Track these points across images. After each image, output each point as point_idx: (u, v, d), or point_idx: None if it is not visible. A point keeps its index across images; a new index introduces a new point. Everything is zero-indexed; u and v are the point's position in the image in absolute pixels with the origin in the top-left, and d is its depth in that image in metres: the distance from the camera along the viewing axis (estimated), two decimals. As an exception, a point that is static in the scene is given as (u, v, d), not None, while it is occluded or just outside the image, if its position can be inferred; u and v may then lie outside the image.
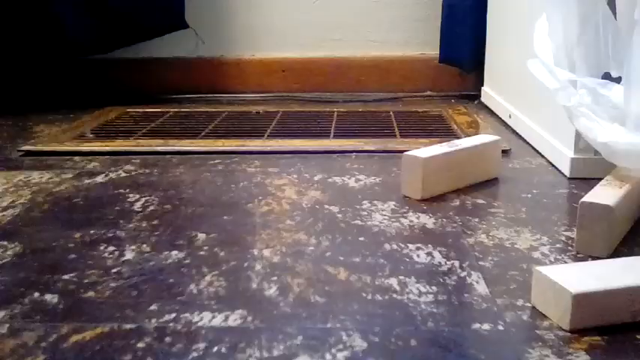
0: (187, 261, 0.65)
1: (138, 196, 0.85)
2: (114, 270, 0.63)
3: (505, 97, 1.26)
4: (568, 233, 0.70)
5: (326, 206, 0.80)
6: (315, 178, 0.92)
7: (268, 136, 1.17)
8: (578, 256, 0.65)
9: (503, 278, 0.60)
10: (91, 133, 1.21)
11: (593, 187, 0.68)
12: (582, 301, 0.50)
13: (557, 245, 0.68)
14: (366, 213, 0.77)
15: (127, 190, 0.87)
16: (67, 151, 1.08)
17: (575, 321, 0.51)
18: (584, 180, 0.87)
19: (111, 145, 1.09)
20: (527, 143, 1.08)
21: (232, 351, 0.49)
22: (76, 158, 1.04)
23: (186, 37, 1.61)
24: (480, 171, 0.89)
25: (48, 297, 0.57)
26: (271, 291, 0.58)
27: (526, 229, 0.72)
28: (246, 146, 1.09)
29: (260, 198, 0.84)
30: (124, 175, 0.94)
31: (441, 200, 0.81)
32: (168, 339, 0.50)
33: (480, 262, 0.63)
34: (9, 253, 0.67)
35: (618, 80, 0.75)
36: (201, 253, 0.67)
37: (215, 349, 0.49)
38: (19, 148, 1.10)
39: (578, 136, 0.86)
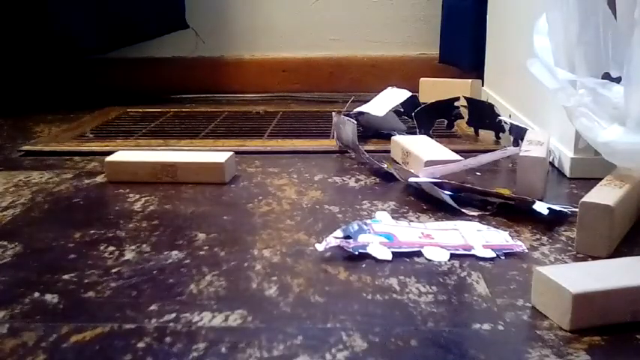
0: (187, 261, 0.65)
1: (138, 196, 0.85)
2: (114, 270, 0.63)
3: (505, 98, 1.26)
4: (568, 233, 0.70)
5: (326, 206, 0.80)
6: (315, 178, 0.92)
7: (268, 136, 1.17)
8: (578, 256, 0.65)
9: (503, 278, 0.60)
10: (91, 133, 1.21)
11: (593, 187, 0.68)
12: (582, 301, 0.50)
13: (557, 245, 0.68)
14: (366, 213, 0.77)
15: (127, 190, 0.87)
16: (67, 151, 1.08)
17: (575, 321, 0.51)
18: (584, 180, 0.87)
19: (111, 145, 1.09)
20: (527, 143, 1.08)
21: (232, 351, 0.49)
22: (76, 158, 1.04)
23: (186, 37, 1.62)
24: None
25: (48, 297, 0.57)
26: (271, 291, 0.58)
27: (526, 229, 0.72)
28: (246, 146, 1.09)
29: (260, 198, 0.84)
30: (124, 175, 0.94)
31: (440, 200, 0.81)
32: (168, 339, 0.50)
33: (480, 262, 0.63)
34: (9, 253, 0.67)
35: (618, 80, 0.75)
36: (201, 253, 0.67)
37: (215, 349, 0.49)
38: (19, 148, 1.10)
39: (578, 136, 0.86)
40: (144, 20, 1.54)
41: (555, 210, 0.73)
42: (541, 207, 0.72)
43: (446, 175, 0.81)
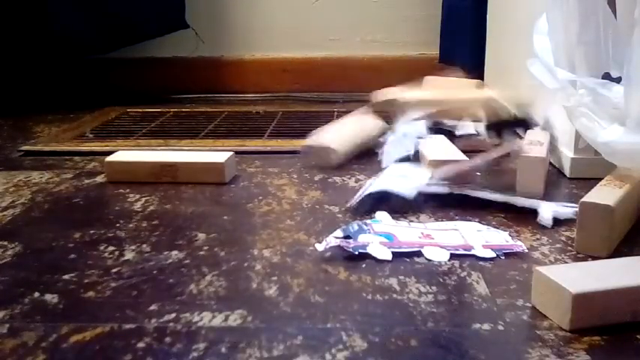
0: (187, 261, 0.65)
1: (138, 196, 0.85)
2: (114, 270, 0.63)
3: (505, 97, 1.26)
4: (568, 233, 0.70)
5: (326, 206, 0.80)
6: (315, 178, 0.92)
7: (268, 136, 1.17)
8: (578, 256, 0.65)
9: (503, 278, 0.60)
10: (91, 133, 1.21)
11: (593, 187, 0.68)
12: (582, 301, 0.50)
13: (557, 245, 0.68)
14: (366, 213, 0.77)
15: (127, 190, 0.87)
16: (67, 151, 1.08)
17: (575, 321, 0.51)
18: (584, 180, 0.87)
19: (111, 145, 1.09)
20: (527, 143, 1.08)
21: (232, 351, 0.49)
22: (76, 158, 1.04)
23: (186, 37, 1.61)
24: None
25: (48, 297, 0.57)
26: (271, 291, 0.58)
27: (526, 229, 0.72)
28: (246, 146, 1.09)
29: (260, 198, 0.84)
30: (124, 175, 0.94)
31: (440, 200, 0.81)
32: (168, 339, 0.50)
33: (480, 262, 0.63)
34: (9, 253, 0.67)
35: (618, 80, 0.75)
36: (201, 253, 0.67)
37: (215, 349, 0.49)
38: (19, 148, 1.10)
39: (578, 136, 0.86)
40: (144, 20, 1.54)
41: (560, 219, 0.73)
42: (546, 213, 0.72)
43: (459, 174, 0.80)
